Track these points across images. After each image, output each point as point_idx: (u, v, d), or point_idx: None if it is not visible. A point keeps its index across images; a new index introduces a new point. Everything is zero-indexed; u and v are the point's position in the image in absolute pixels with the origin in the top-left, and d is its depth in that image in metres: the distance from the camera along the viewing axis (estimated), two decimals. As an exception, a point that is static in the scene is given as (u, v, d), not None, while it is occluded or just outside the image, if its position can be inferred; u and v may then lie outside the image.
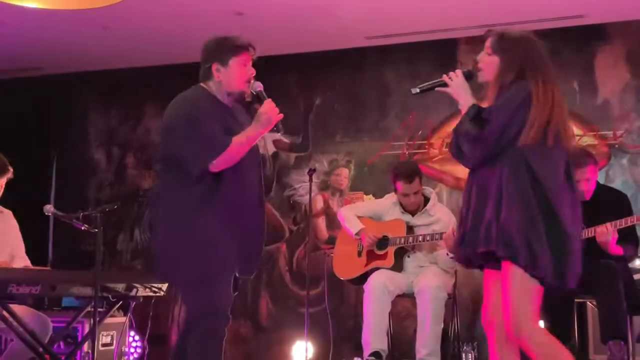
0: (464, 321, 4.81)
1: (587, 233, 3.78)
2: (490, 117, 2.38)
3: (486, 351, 4.78)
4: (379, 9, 4.56)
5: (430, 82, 2.61)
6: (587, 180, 3.89)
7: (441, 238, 3.91)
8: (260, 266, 5.35)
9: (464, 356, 3.73)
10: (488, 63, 2.49)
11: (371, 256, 4.13)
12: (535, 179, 2.34)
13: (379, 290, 3.92)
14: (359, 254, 4.20)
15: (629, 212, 3.79)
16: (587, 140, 4.74)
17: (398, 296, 4.08)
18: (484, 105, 2.47)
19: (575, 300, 3.92)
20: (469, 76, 2.53)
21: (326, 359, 4.52)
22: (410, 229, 4.10)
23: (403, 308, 4.82)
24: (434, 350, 3.78)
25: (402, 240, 4.06)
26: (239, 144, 2.66)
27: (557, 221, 2.32)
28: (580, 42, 4.96)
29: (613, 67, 4.84)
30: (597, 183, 3.99)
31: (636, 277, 3.91)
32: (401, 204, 4.20)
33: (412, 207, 4.14)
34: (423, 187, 4.21)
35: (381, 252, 4.12)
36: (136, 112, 5.95)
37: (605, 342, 3.53)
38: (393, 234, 4.10)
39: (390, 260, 4.08)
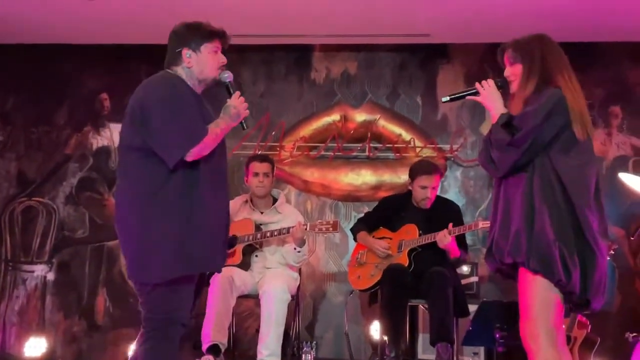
0: (305, 321, 4.93)
1: (427, 239, 4.03)
2: (521, 124, 2.33)
3: (324, 350, 4.97)
4: (236, 8, 4.53)
5: (462, 91, 2.61)
6: (433, 189, 4.16)
7: (288, 232, 4.00)
8: (101, 263, 5.15)
9: (303, 356, 3.81)
10: (514, 73, 2.47)
11: (218, 256, 4.12)
12: (565, 192, 2.29)
13: (225, 284, 3.92)
14: (206, 254, 4.16)
15: (459, 222, 4.09)
16: (427, 152, 5.03)
17: (242, 297, 4.09)
18: None
19: (409, 303, 4.15)
20: (501, 85, 2.51)
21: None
22: (258, 227, 4.15)
23: (246, 308, 4.84)
24: (274, 351, 3.83)
25: (251, 237, 4.09)
26: (214, 134, 2.55)
27: (586, 238, 2.27)
28: (425, 59, 5.25)
29: (453, 84, 5.14)
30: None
31: (463, 282, 4.22)
32: (251, 201, 4.22)
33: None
34: (272, 189, 4.30)
35: (229, 251, 4.11)
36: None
37: (433, 344, 3.78)
38: (242, 233, 4.12)
39: (238, 257, 4.10)
